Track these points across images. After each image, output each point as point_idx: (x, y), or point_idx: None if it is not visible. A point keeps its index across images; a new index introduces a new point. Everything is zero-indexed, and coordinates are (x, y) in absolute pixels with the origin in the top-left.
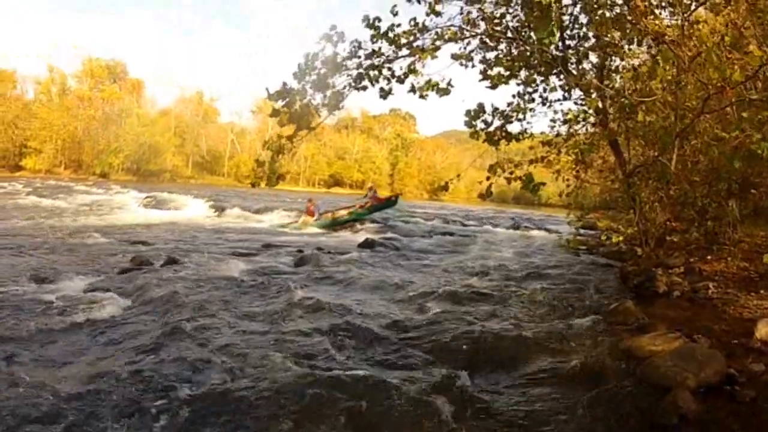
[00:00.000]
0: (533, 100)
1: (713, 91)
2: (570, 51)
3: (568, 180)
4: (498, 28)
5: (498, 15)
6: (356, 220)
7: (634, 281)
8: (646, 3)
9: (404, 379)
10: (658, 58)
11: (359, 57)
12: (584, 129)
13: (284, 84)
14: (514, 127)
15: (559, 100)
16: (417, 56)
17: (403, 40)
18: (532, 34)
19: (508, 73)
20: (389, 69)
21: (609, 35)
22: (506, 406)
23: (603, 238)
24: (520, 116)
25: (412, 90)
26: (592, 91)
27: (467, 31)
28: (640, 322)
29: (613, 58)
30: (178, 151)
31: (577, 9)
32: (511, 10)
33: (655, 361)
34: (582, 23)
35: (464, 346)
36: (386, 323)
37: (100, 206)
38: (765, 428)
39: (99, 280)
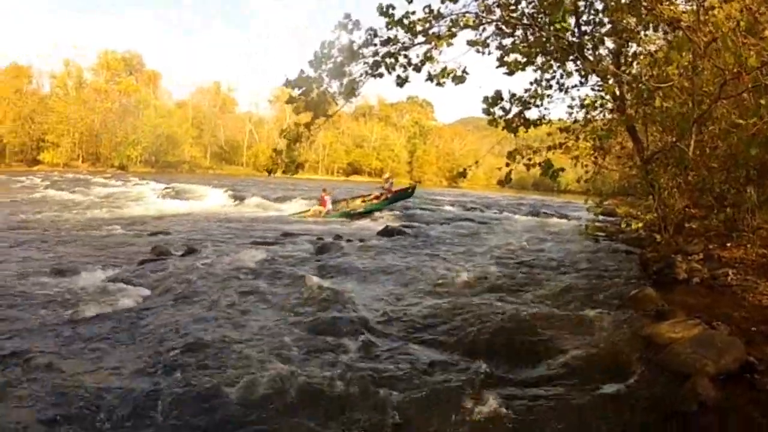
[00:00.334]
0: (550, 86)
1: (729, 76)
2: (586, 37)
3: (586, 166)
4: (514, 15)
5: (513, 1)
6: (370, 212)
7: (653, 268)
8: None
9: (425, 368)
10: (674, 43)
11: (375, 45)
12: (602, 115)
13: (301, 72)
14: (531, 114)
15: (576, 86)
16: (433, 43)
17: (419, 27)
18: (547, 20)
19: (524, 59)
20: (405, 57)
21: (624, 21)
22: (524, 392)
23: (623, 224)
24: (538, 102)
25: (429, 78)
26: (609, 76)
27: (483, 17)
28: (659, 309)
29: (630, 44)
30: (195, 141)
31: None
32: None
33: (674, 348)
34: (597, 9)
35: (485, 333)
36: (407, 312)
37: (118, 198)
38: None
39: (119, 271)
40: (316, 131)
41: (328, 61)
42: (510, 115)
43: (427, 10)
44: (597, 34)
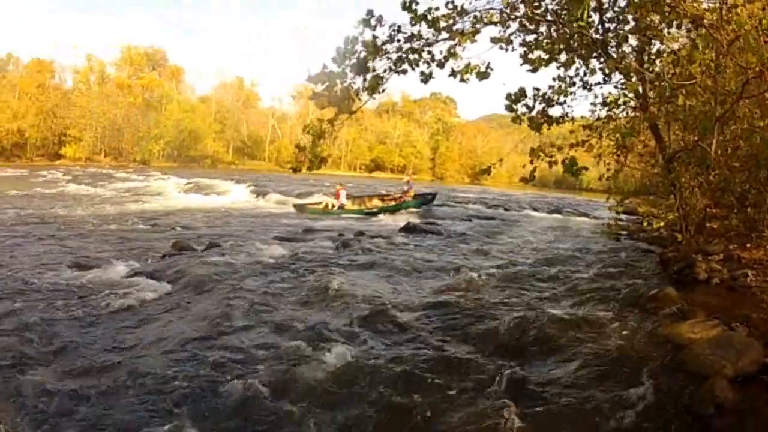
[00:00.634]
0: (573, 83)
1: (752, 75)
2: (610, 34)
3: (609, 164)
4: (538, 11)
5: None
6: (383, 212)
7: (674, 267)
8: None
9: (442, 366)
10: (697, 41)
11: (398, 41)
12: (624, 113)
13: (324, 67)
14: (555, 111)
15: (599, 83)
16: (456, 40)
17: (442, 24)
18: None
19: (548, 56)
20: (429, 53)
21: (648, 18)
22: (544, 390)
23: (644, 223)
24: (561, 99)
25: (452, 74)
26: (632, 74)
27: (507, 14)
28: (679, 309)
29: (653, 41)
30: (218, 136)
31: None
32: None
33: (693, 349)
34: (621, 6)
35: (506, 331)
36: (428, 309)
37: (140, 193)
38: None
39: (141, 265)
40: (339, 127)
41: (352, 57)
42: (533, 113)
43: (450, 6)
44: (621, 32)
